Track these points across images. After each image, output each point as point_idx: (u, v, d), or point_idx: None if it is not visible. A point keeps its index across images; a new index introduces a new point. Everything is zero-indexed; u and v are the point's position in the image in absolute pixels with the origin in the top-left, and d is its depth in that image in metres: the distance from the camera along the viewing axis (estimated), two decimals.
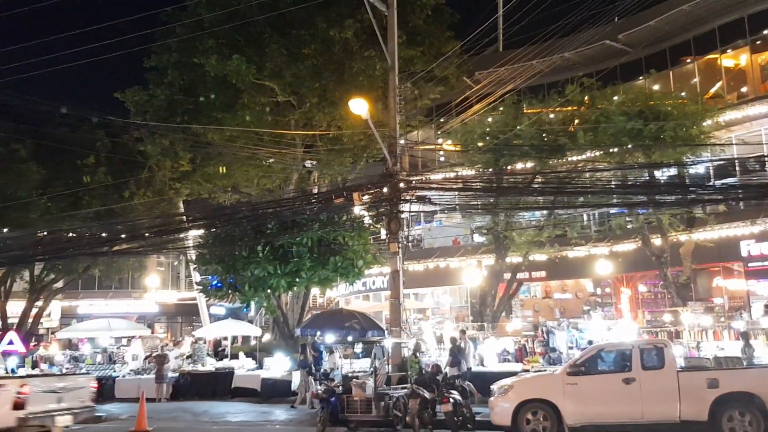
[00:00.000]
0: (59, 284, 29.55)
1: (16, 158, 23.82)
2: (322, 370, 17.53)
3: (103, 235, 22.64)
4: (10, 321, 27.18)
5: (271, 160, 24.04)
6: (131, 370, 22.32)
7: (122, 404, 19.39)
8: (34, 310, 28.45)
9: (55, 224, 23.65)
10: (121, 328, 25.95)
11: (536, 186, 18.47)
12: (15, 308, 28.29)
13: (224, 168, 23.97)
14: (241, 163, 23.64)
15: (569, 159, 20.72)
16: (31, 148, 24.43)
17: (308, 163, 24.87)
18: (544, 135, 20.42)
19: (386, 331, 17.00)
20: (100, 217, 24.20)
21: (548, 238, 21.36)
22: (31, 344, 27.25)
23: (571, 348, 18.10)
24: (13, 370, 20.59)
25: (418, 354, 16.56)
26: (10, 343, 22.21)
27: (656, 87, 24.06)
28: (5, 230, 23.55)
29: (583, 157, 20.87)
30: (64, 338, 29.85)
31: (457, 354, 16.74)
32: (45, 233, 23.63)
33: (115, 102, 23.65)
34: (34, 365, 23.98)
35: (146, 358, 23.38)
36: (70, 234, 23.63)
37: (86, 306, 39.65)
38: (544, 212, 21.38)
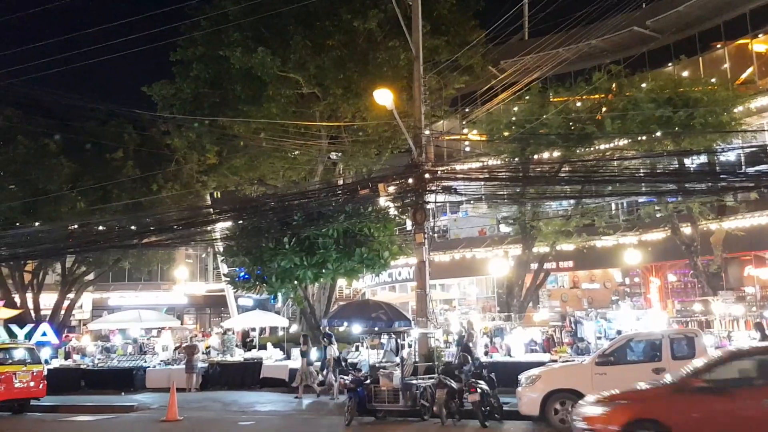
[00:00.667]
0: (90, 277, 30.03)
1: (47, 153, 24.22)
2: (334, 357, 17.77)
3: (132, 228, 23.01)
4: (42, 313, 27.68)
5: (296, 152, 24.14)
6: (161, 361, 22.65)
7: (153, 394, 19.71)
8: (66, 302, 28.96)
9: (85, 218, 23.99)
10: (151, 320, 26.33)
11: (563, 175, 18.30)
12: (47, 300, 28.83)
13: (250, 160, 24.12)
14: (266, 156, 23.77)
15: (597, 147, 20.48)
16: (61, 143, 24.82)
17: (333, 155, 24.93)
18: (571, 123, 20.19)
19: (412, 322, 17.01)
20: (128, 210, 24.54)
21: (576, 228, 21.17)
22: (64, 336, 27.80)
23: (599, 338, 17.95)
24: (46, 361, 21.02)
25: (470, 344, 16.34)
26: (44, 334, 22.70)
27: (686, 73, 23.65)
28: (37, 224, 23.94)
29: (611, 145, 20.62)
30: (95, 329, 30.40)
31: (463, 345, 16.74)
32: (75, 226, 24.02)
33: (142, 96, 23.95)
34: (67, 356, 24.46)
35: (176, 348, 23.73)
36: (100, 227, 23.99)
37: (117, 298, 40.34)
38: (572, 201, 21.17)
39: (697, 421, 8.33)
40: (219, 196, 27.83)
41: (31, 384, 17.35)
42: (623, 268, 25.25)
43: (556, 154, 21.06)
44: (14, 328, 22.02)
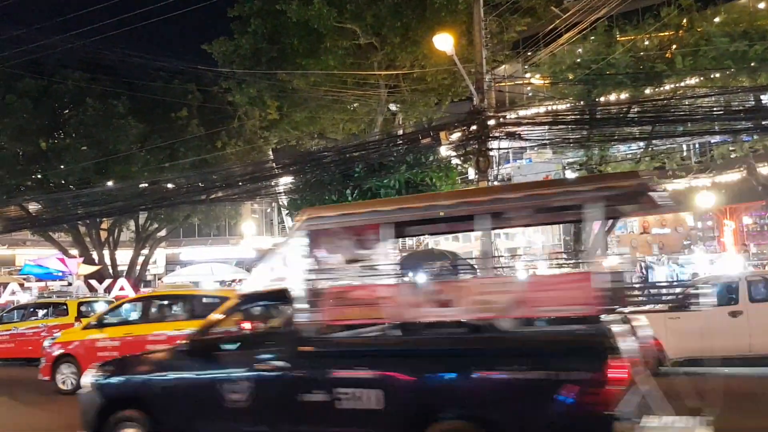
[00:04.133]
0: (162, 233, 31.17)
1: (115, 114, 24.94)
2: None
3: (200, 184, 23.61)
4: (119, 269, 28.96)
5: (355, 104, 24.09)
6: None
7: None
8: (141, 258, 30.20)
9: (154, 175, 24.76)
10: (222, 273, 27.16)
11: (632, 116, 17.64)
12: (123, 257, 30.11)
13: (310, 114, 24.20)
14: (326, 109, 23.81)
15: (667, 86, 19.62)
16: (128, 104, 25.47)
17: (392, 106, 24.74)
18: (639, 63, 19.36)
19: (478, 271, 16.97)
20: (195, 167, 25.16)
21: (646, 171, 20.49)
22: (141, 290, 29.05)
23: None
24: None
25: None
26: (121, 289, 23.76)
27: (762, 5, 22.19)
28: (109, 183, 24.83)
29: (683, 84, 19.70)
30: (170, 283, 31.61)
31: None
32: (146, 184, 24.83)
33: (203, 54, 24.25)
34: None
35: None
36: (169, 184, 24.72)
37: (188, 253, 41.78)
38: (641, 144, 20.45)
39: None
40: (276, 147, 28.13)
41: None
42: (696, 211, 24.41)
43: (623, 95, 20.31)
44: (94, 283, 23.13)
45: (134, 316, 13.45)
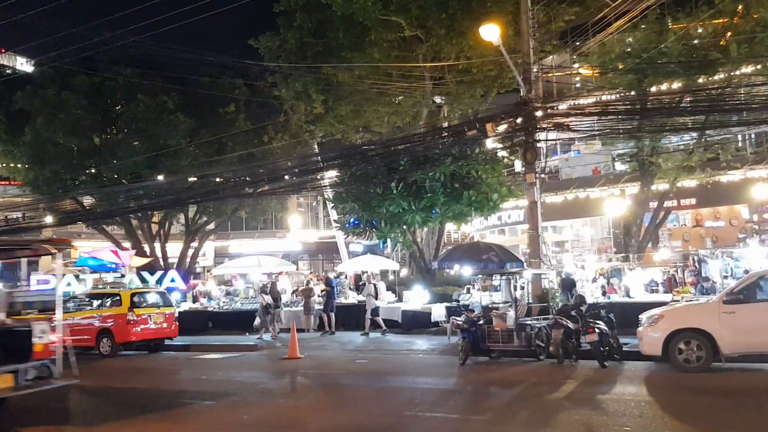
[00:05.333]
0: (211, 226, 31.69)
1: (165, 109, 25.43)
2: (333, 305, 20.26)
3: (247, 178, 23.93)
4: (170, 261, 29.57)
5: (400, 97, 24.01)
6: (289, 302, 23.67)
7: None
8: (191, 251, 30.77)
9: (203, 170, 25.19)
10: (269, 265, 27.48)
11: (685, 106, 17.15)
12: (174, 249, 30.74)
13: (355, 108, 24.24)
14: (371, 102, 23.81)
15: (721, 75, 19.00)
16: (178, 99, 25.95)
17: (438, 98, 24.59)
18: (692, 51, 18.81)
19: (525, 263, 16.79)
20: (243, 161, 25.50)
21: (699, 162, 19.92)
22: (191, 281, 29.63)
23: (725, 277, 17.00)
24: (177, 303, 22.51)
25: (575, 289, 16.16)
26: (173, 280, 24.26)
27: None
28: (160, 177, 25.35)
29: (738, 72, 19.05)
30: (218, 275, 32.17)
31: (566, 288, 16.40)
32: (195, 178, 25.28)
33: (249, 50, 24.51)
34: (195, 300, 26.06)
35: (293, 292, 24.74)
36: (218, 178, 25.13)
37: (236, 246, 42.45)
38: (694, 134, 19.88)
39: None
40: (321, 141, 28.30)
41: (164, 325, 18.72)
42: (751, 203, 23.57)
43: (676, 85, 19.76)
44: (145, 274, 23.68)
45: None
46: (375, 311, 19.72)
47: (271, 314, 19.94)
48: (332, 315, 20.32)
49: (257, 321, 20.56)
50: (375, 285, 20.50)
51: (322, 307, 20.90)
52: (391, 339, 18.46)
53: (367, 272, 23.58)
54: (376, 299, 20.19)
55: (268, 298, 20.07)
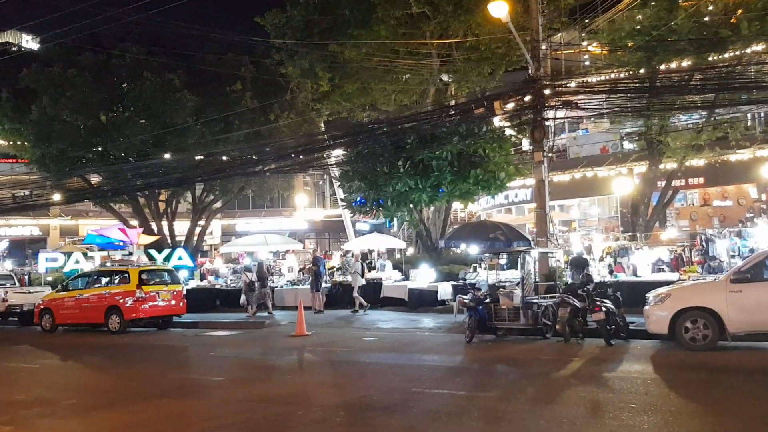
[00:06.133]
0: (218, 204, 31.78)
1: (171, 88, 25.35)
2: (322, 285, 20.66)
3: (253, 156, 23.93)
4: (177, 239, 29.69)
5: (407, 75, 23.85)
6: (288, 281, 23.83)
7: (282, 312, 20.87)
8: (198, 229, 30.88)
9: (210, 148, 25.17)
10: (276, 243, 27.58)
11: (694, 84, 17.00)
12: (181, 228, 30.86)
13: (362, 86, 24.11)
14: (378, 80, 23.66)
15: (732, 53, 18.79)
16: (184, 77, 25.87)
17: (445, 76, 24.43)
18: (702, 28, 18.59)
19: (532, 242, 16.79)
20: (249, 139, 25.46)
21: (707, 141, 19.80)
22: (199, 260, 29.78)
23: (733, 256, 16.96)
24: (185, 282, 22.66)
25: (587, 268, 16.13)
26: (180, 258, 24.39)
27: None
28: (167, 155, 25.36)
29: (748, 50, 18.84)
30: (226, 252, 32.32)
31: (575, 267, 16.40)
32: (202, 157, 25.28)
33: (255, 27, 24.34)
34: (202, 278, 26.21)
35: (300, 270, 24.85)
36: (224, 157, 25.11)
37: (243, 224, 42.63)
38: (703, 113, 19.73)
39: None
40: (328, 120, 28.24)
41: (172, 302, 18.85)
42: (760, 183, 23.49)
43: (685, 63, 19.58)
44: (153, 252, 23.81)
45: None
46: (360, 289, 20.15)
47: (255, 292, 20.61)
48: (318, 294, 20.51)
49: (242, 299, 21.03)
50: (362, 263, 21.14)
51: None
52: (397, 317, 18.50)
53: (351, 251, 23.91)
54: (363, 277, 20.63)
55: (252, 276, 20.78)
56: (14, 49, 31.98)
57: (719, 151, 20.79)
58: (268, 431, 7.20)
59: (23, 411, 8.64)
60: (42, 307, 19.66)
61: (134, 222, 28.90)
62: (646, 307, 12.06)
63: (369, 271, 22.45)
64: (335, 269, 24.28)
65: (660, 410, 7.40)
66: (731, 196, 25.20)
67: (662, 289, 12.21)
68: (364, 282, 20.51)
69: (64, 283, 20.47)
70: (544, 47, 16.70)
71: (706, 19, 18.74)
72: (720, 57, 18.80)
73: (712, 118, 19.80)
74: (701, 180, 23.75)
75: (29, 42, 37.64)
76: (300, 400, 8.92)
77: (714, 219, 24.70)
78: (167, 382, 10.59)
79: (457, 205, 26.90)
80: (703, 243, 17.72)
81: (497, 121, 19.40)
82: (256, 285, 20.72)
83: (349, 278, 21.72)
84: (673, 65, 19.98)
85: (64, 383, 11.28)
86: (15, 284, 22.63)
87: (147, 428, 7.61)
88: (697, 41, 17.84)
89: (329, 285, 21.76)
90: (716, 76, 16.86)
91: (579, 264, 16.51)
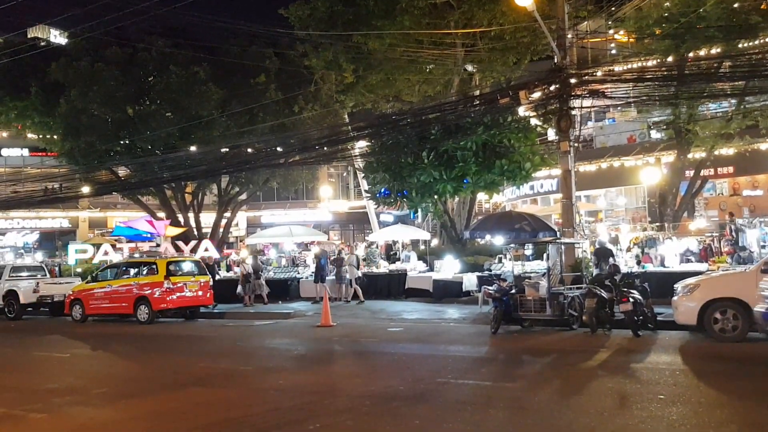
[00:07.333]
0: (243, 196, 32.04)
1: (197, 80, 25.55)
2: (323, 276, 21.03)
3: (278, 148, 24.04)
4: (203, 231, 29.99)
5: (431, 66, 23.78)
6: (313, 273, 23.91)
7: (306, 303, 21.00)
8: (224, 221, 31.18)
9: (235, 140, 25.35)
10: (301, 234, 27.71)
11: (724, 72, 16.70)
12: (207, 219, 31.17)
13: (385, 77, 24.06)
14: (402, 71, 23.63)
15: (763, 39, 18.42)
16: (209, 70, 26.05)
17: (469, 66, 24.30)
18: (732, 15, 18.23)
19: (558, 233, 16.67)
20: (274, 131, 25.59)
21: (737, 130, 19.45)
22: (224, 251, 30.04)
23: (763, 247, 16.70)
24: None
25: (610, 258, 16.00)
26: (206, 250, 24.62)
27: None
28: (193, 148, 25.58)
29: None
30: (251, 244, 32.55)
31: (600, 257, 16.22)
32: (227, 149, 25.46)
33: (279, 19, 24.42)
34: (228, 269, 26.44)
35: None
36: (249, 149, 25.27)
37: (268, 216, 42.90)
38: (733, 101, 19.39)
39: None
40: (352, 111, 28.26)
41: (200, 293, 19.05)
42: None
43: (715, 50, 19.23)
44: (180, 244, 24.06)
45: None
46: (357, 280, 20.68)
47: (251, 283, 21.22)
48: (321, 285, 20.82)
49: (239, 289, 21.53)
50: (357, 256, 21.85)
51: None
52: (422, 308, 18.49)
53: (341, 243, 24.07)
54: (358, 269, 21.05)
55: (249, 267, 21.36)
56: (43, 44, 32.46)
57: (749, 140, 20.43)
58: (295, 419, 7.26)
59: (56, 399, 8.81)
60: (72, 297, 20.01)
61: (161, 214, 29.23)
62: (675, 298, 11.93)
63: (393, 263, 22.45)
64: (361, 259, 24.31)
65: (689, 401, 7.33)
66: (762, 186, 24.74)
67: (691, 280, 12.07)
68: (359, 274, 20.94)
69: (93, 274, 20.79)
70: (570, 36, 16.51)
71: (736, 5, 18.37)
72: (750, 44, 18.46)
73: (742, 107, 19.46)
74: (731, 169, 23.35)
75: (57, 37, 38.25)
76: (326, 389, 8.98)
77: (744, 209, 24.29)
78: (195, 372, 10.73)
79: (481, 196, 26.78)
80: (733, 233, 17.45)
81: (522, 111, 19.23)
82: (251, 277, 21.28)
83: (374, 269, 21.80)
84: (702, 53, 19.67)
85: (95, 372, 11.47)
86: (46, 275, 23.02)
87: (176, 416, 7.72)
88: (727, 28, 17.51)
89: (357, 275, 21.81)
90: (746, 64, 16.56)
91: (603, 254, 16.34)
